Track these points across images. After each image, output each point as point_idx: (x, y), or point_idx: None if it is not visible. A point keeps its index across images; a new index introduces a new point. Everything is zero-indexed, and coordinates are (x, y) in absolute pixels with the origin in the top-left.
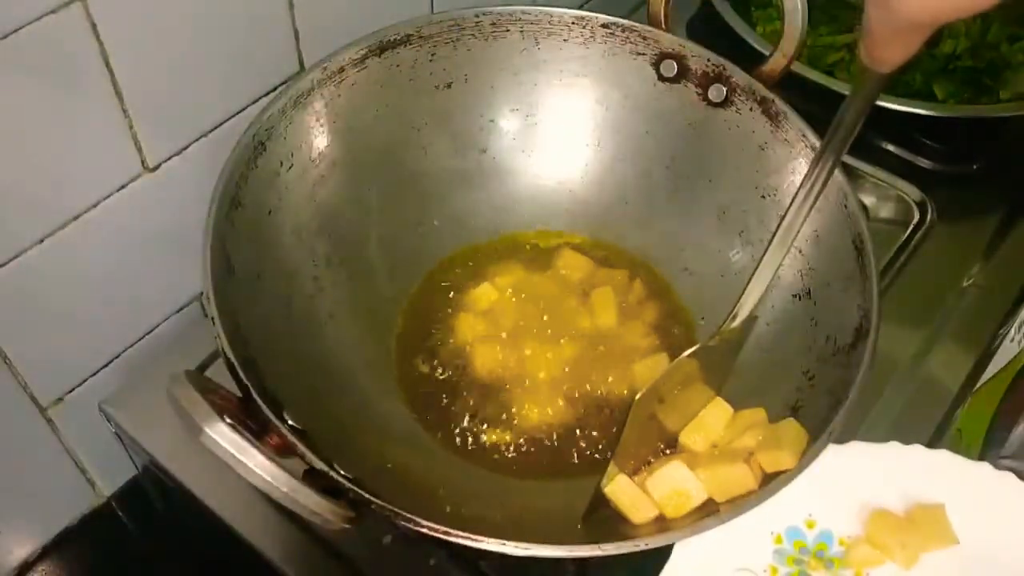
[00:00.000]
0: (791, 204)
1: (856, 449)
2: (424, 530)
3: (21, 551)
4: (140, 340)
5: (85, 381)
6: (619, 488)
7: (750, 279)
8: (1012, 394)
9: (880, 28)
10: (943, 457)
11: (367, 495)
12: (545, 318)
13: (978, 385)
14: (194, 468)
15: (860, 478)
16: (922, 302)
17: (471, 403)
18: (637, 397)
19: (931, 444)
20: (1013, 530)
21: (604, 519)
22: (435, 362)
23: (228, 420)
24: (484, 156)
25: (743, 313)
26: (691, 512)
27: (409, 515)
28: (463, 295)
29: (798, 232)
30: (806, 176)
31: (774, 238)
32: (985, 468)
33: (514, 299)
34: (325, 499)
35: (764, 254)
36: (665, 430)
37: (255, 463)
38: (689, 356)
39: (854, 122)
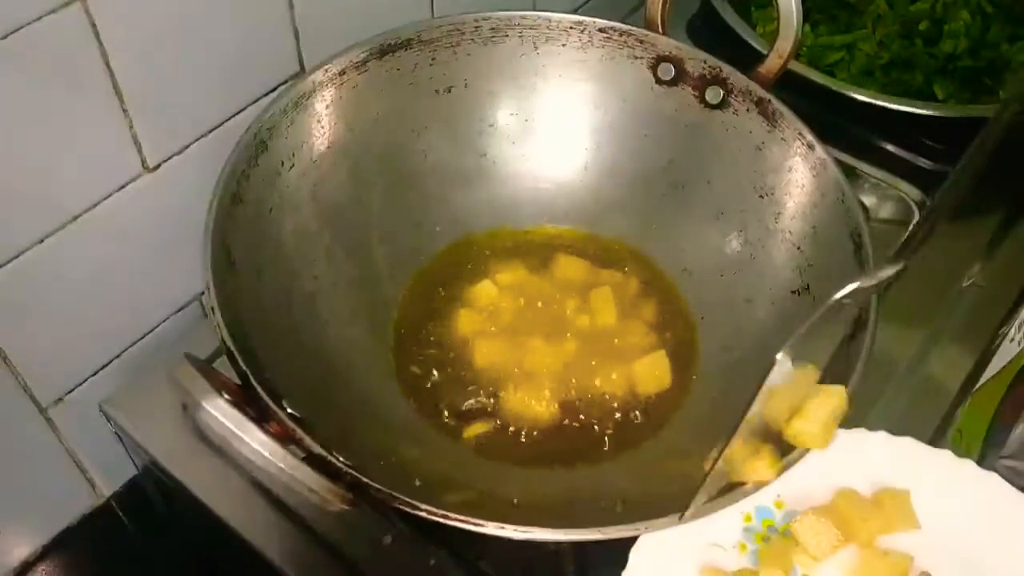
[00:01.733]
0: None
1: None
2: (423, 514)
3: (21, 551)
4: (140, 340)
5: (85, 381)
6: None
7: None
8: (1012, 394)
9: None
10: (907, 444)
11: (365, 479)
12: (545, 316)
13: (978, 385)
14: (194, 468)
15: (829, 462)
16: (922, 302)
17: (470, 396)
18: (777, 356)
19: (931, 444)
20: (974, 518)
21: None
22: (435, 357)
23: (227, 397)
24: (484, 159)
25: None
26: None
27: (408, 499)
28: (463, 292)
29: None
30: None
31: None
32: (945, 455)
33: (514, 297)
34: (324, 478)
35: None
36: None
37: (254, 439)
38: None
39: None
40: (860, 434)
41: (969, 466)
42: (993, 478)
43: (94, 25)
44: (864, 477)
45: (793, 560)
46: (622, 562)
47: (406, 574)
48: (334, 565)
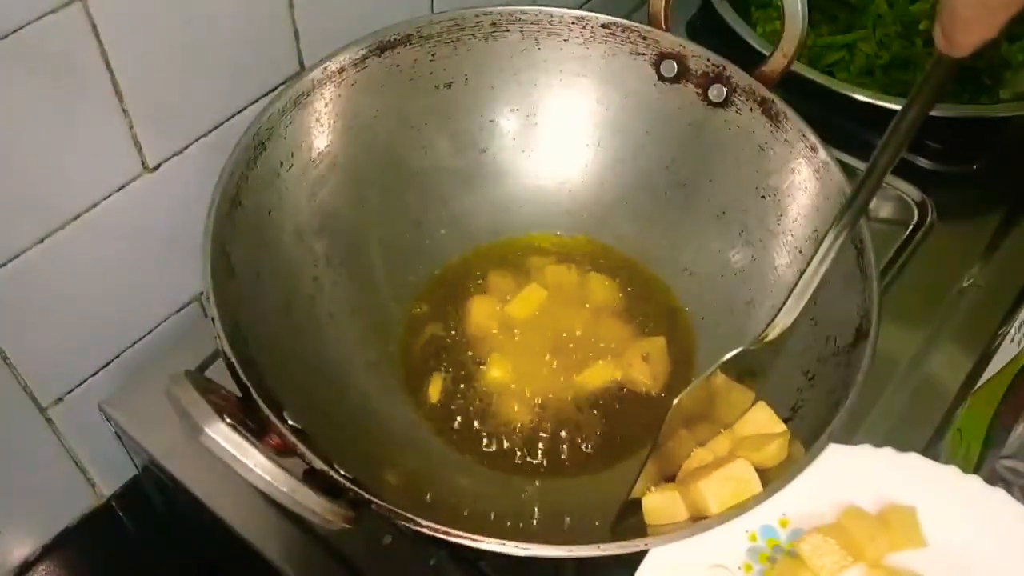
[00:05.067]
0: (860, 184)
1: (830, 451)
2: (424, 530)
3: (21, 551)
4: (140, 340)
5: (85, 381)
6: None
7: (793, 286)
8: (1012, 394)
9: (966, 7)
10: (913, 459)
11: (367, 495)
12: (546, 319)
13: (978, 385)
14: (194, 468)
15: (833, 480)
16: (922, 302)
17: (474, 402)
18: (675, 401)
19: (931, 444)
20: (980, 535)
21: (635, 525)
22: (436, 362)
23: (228, 420)
24: (484, 156)
25: (783, 323)
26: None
27: (409, 515)
28: (464, 297)
29: (850, 225)
30: (868, 168)
31: (826, 234)
32: (952, 470)
33: (516, 303)
34: (325, 499)
35: (815, 253)
36: (700, 435)
37: (255, 463)
38: (728, 361)
39: (919, 115)
40: (865, 450)
41: (975, 482)
42: (1000, 494)
43: (94, 25)
44: (869, 494)
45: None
46: (621, 565)
47: (406, 574)
48: (334, 565)
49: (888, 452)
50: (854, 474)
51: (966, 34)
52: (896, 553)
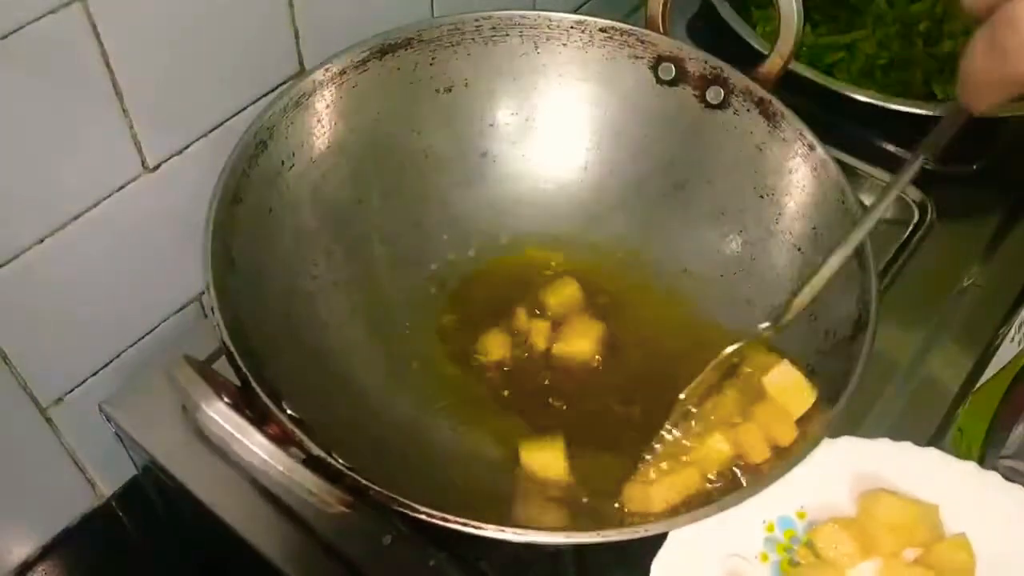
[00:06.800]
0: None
1: (847, 444)
2: (422, 516)
3: (21, 551)
4: (140, 340)
5: (85, 381)
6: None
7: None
8: (1012, 394)
9: (986, 77)
10: (932, 455)
11: (364, 480)
12: (543, 316)
13: (978, 385)
14: (194, 468)
15: (849, 473)
16: (922, 302)
17: (474, 395)
18: (680, 396)
19: (931, 444)
20: (998, 531)
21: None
22: (436, 358)
23: (226, 400)
24: (484, 159)
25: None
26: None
27: (406, 501)
28: (464, 295)
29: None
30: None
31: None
32: (970, 466)
33: (516, 300)
34: (323, 480)
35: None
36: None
37: (252, 441)
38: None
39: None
40: (884, 444)
41: (994, 478)
42: (1019, 490)
43: (94, 25)
44: (888, 488)
45: (816, 572)
46: (623, 563)
47: (406, 574)
48: (334, 565)
49: (907, 446)
50: (873, 467)
51: (982, 99)
52: (915, 548)
